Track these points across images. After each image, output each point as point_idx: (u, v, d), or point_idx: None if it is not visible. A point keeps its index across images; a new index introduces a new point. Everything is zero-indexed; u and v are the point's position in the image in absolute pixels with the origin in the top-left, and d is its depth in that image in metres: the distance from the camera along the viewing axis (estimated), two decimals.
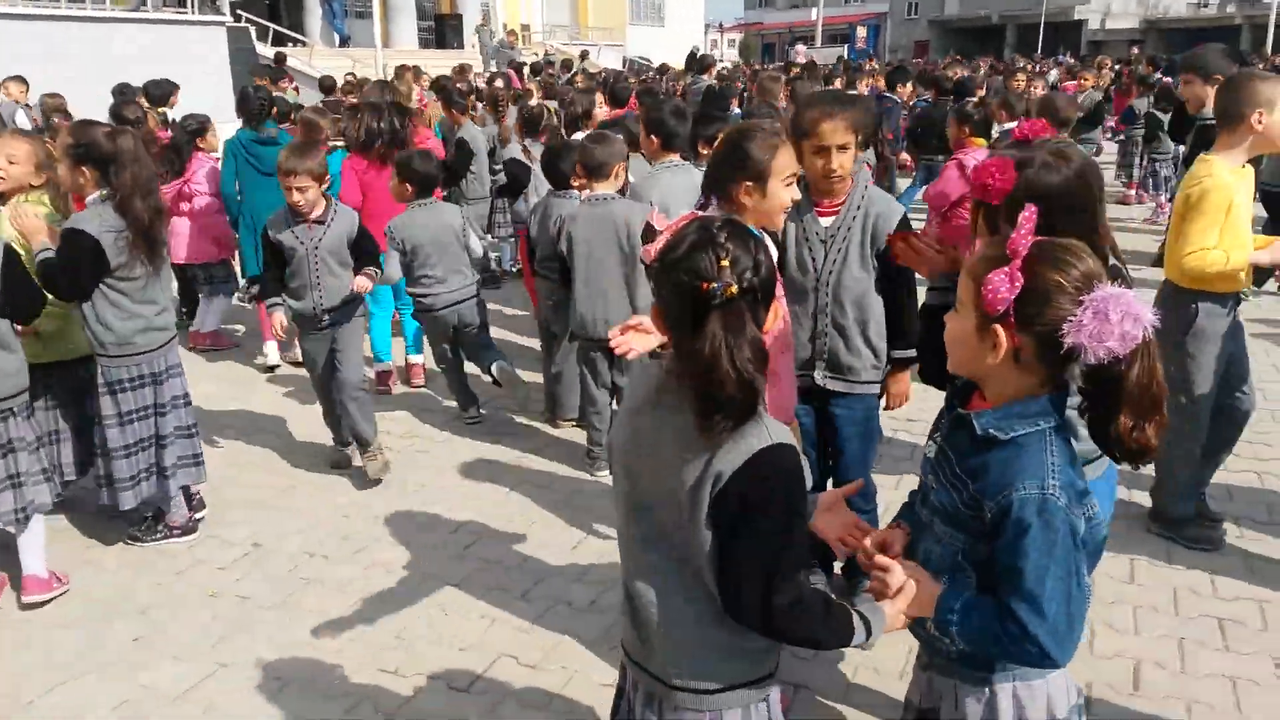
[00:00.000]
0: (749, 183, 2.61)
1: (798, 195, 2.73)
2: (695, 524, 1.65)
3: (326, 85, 11.88)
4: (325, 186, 4.41)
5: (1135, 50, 32.16)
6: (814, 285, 3.10)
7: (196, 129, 6.44)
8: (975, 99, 8.15)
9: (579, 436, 5.00)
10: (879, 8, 58.53)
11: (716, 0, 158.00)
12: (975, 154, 4.66)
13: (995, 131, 5.86)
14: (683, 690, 1.76)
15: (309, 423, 5.22)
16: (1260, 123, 3.34)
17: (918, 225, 3.54)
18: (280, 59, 15.23)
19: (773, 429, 1.65)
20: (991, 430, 1.66)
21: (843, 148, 2.96)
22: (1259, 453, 4.63)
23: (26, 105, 10.49)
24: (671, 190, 4.32)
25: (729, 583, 1.66)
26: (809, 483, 2.68)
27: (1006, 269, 1.60)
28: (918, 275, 2.95)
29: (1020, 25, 50.16)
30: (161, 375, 3.90)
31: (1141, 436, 1.59)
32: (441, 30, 25.02)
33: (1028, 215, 1.62)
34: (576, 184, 4.68)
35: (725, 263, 1.57)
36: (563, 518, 4.24)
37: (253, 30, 17.25)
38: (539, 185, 5.67)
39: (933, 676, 1.89)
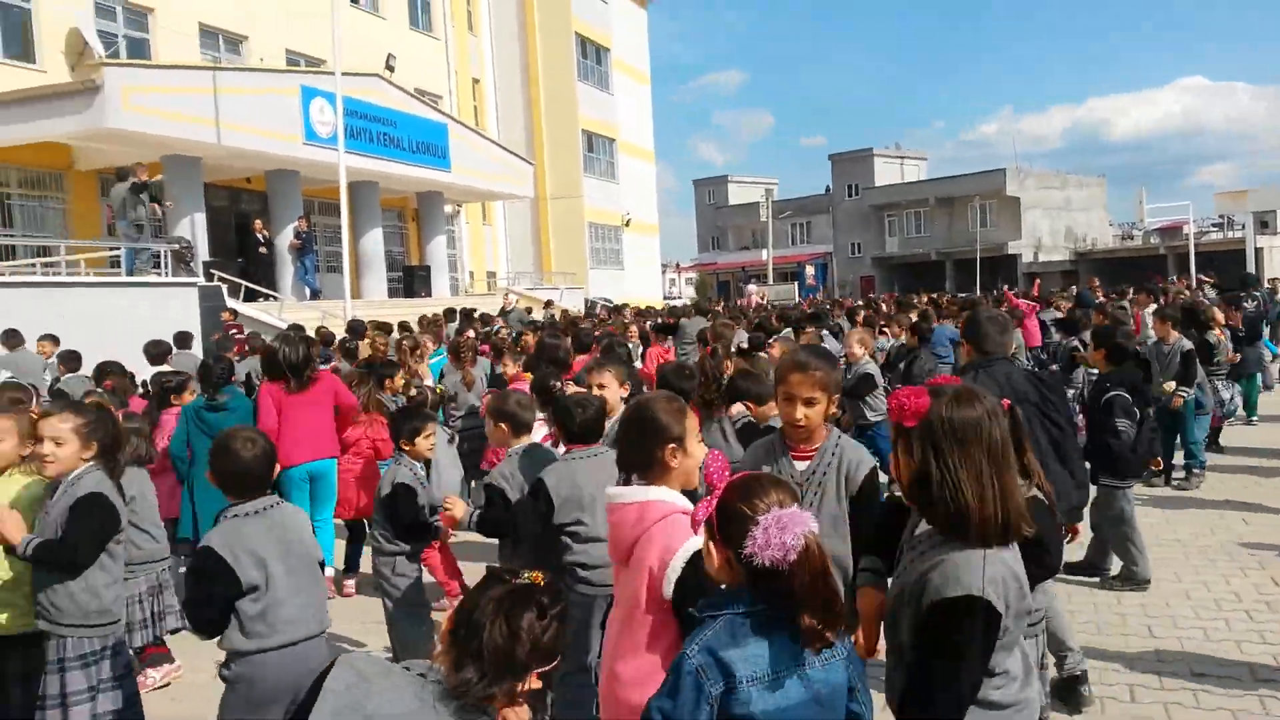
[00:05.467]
0: (673, 445, 2.76)
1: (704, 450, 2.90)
2: None
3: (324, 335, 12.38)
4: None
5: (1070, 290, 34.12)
6: None
7: (174, 386, 6.74)
8: None
9: None
10: (824, 248, 62.08)
11: (673, 242, 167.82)
12: None
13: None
14: None
15: None
16: None
17: None
18: (232, 313, 15.55)
19: None
20: (701, 612, 2.09)
21: (809, 401, 3.13)
22: None
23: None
24: None
25: None
26: None
27: (709, 499, 2.11)
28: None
29: (957, 261, 53.24)
30: (119, 646, 3.69)
31: (823, 638, 1.97)
32: (410, 280, 25.90)
33: (715, 457, 2.28)
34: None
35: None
36: None
37: (224, 288, 17.70)
38: None
39: None
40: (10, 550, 3.48)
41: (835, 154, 62.82)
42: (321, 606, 3.34)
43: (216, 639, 3.19)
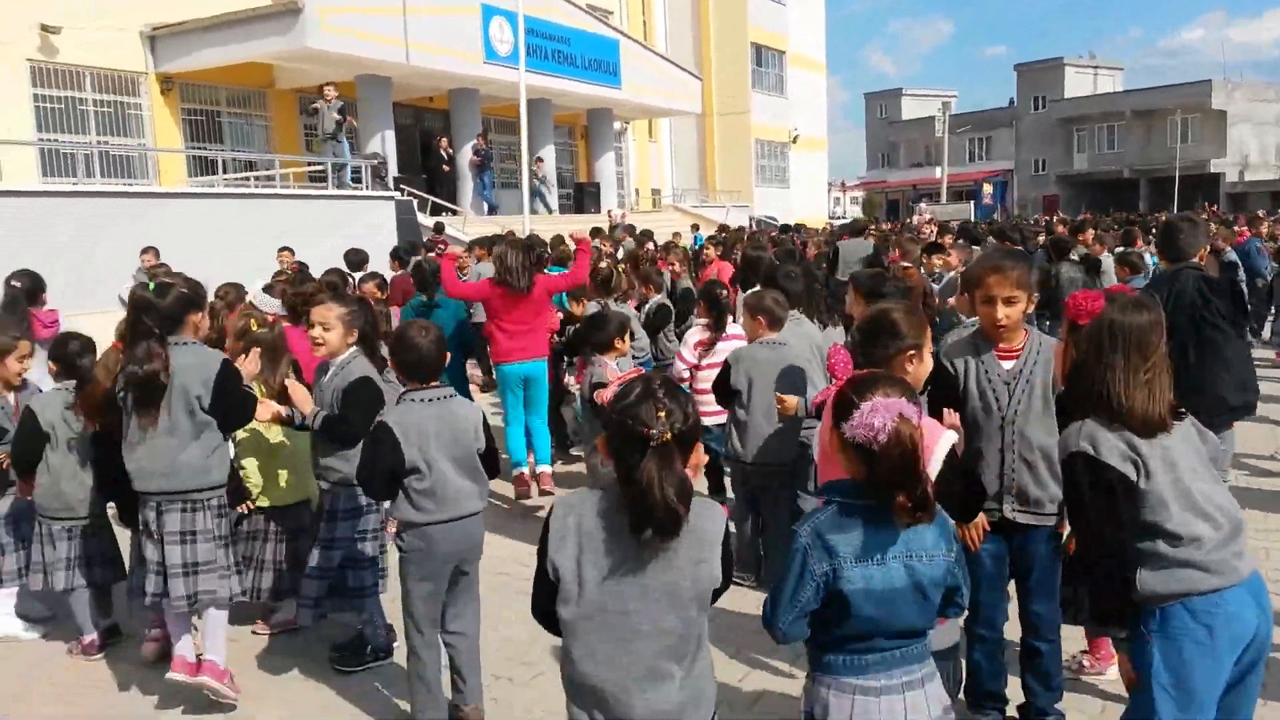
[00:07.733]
0: (912, 352, 3.07)
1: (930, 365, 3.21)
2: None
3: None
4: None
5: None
6: (999, 425, 3.33)
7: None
8: None
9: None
10: (1005, 164, 58.91)
11: (840, 159, 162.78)
12: None
13: None
14: None
15: None
16: None
17: None
18: (439, 228, 16.44)
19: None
20: (821, 494, 2.42)
21: (1009, 300, 3.24)
22: None
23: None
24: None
25: None
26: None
27: (832, 386, 2.47)
28: None
29: (1153, 179, 49.55)
30: (369, 506, 4.28)
31: (913, 515, 2.14)
32: (580, 197, 26.52)
33: (836, 350, 2.71)
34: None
35: (662, 414, 2.03)
36: None
37: (415, 202, 18.69)
38: None
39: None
40: (291, 423, 4.08)
41: (1021, 64, 59.21)
42: (484, 491, 3.72)
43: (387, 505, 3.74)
